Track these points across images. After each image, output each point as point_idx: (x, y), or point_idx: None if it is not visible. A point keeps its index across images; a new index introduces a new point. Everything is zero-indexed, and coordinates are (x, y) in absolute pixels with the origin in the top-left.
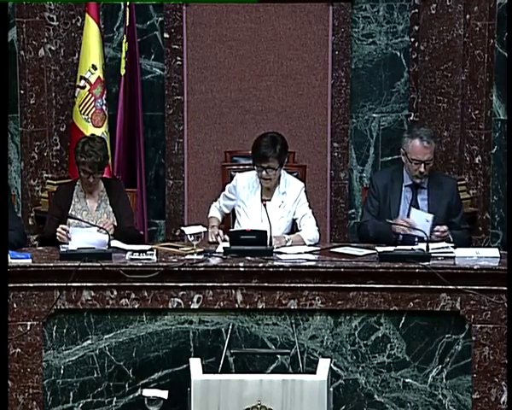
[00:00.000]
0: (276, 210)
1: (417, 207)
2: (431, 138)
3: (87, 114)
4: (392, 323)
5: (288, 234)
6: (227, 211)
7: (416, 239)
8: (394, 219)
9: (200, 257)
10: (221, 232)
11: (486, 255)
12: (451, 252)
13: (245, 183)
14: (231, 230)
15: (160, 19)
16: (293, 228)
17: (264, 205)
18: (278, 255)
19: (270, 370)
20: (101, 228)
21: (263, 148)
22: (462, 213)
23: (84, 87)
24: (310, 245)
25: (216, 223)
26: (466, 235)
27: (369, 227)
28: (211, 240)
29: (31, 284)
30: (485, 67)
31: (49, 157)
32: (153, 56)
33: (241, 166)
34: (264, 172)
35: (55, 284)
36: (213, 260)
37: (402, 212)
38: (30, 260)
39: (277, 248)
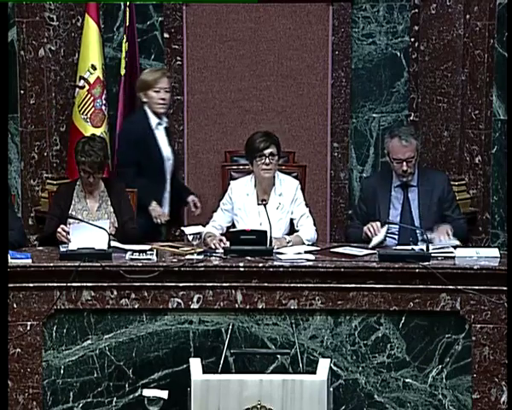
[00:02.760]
0: (273, 212)
1: (409, 206)
2: (410, 136)
3: (86, 114)
4: (392, 323)
5: (287, 234)
6: (227, 224)
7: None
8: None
9: (200, 257)
10: (223, 238)
11: (486, 255)
12: (451, 252)
13: (241, 190)
14: (231, 230)
15: (160, 19)
16: (291, 228)
17: (264, 205)
18: (278, 255)
19: (270, 370)
20: (101, 228)
21: (259, 139)
22: (455, 204)
23: (83, 87)
24: (308, 245)
25: (213, 235)
26: (464, 224)
27: (349, 231)
28: (213, 247)
29: (31, 284)
30: (485, 67)
31: (49, 157)
32: (153, 56)
33: (241, 167)
34: (266, 160)
35: (55, 284)
36: (213, 260)
37: (392, 214)
38: (30, 260)
39: (277, 247)
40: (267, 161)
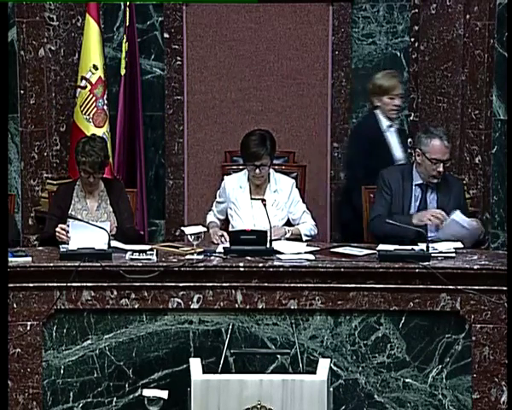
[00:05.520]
0: (269, 209)
1: (426, 207)
2: (448, 138)
3: (88, 114)
4: (392, 323)
5: None
6: (222, 217)
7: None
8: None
9: (200, 257)
10: (225, 233)
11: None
12: (452, 252)
13: (234, 184)
14: (231, 230)
15: (160, 19)
16: (289, 226)
17: (264, 205)
18: (278, 255)
19: (270, 370)
20: (101, 228)
21: (253, 146)
22: (467, 213)
23: (85, 87)
24: (308, 240)
25: (216, 226)
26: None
27: (383, 221)
28: (215, 241)
29: (31, 284)
30: (485, 67)
31: (49, 157)
32: (153, 56)
33: (241, 167)
34: (257, 171)
35: (55, 284)
36: (213, 260)
37: (412, 211)
38: (30, 260)
39: (275, 236)
40: (257, 171)
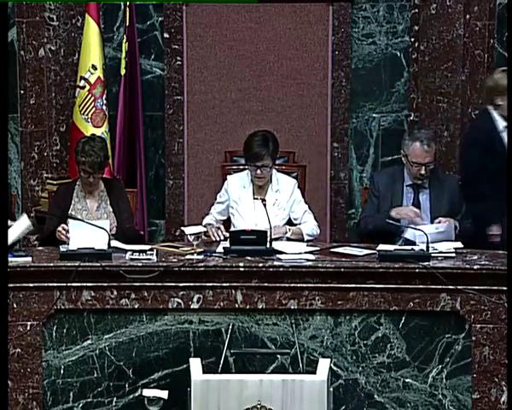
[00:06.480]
0: (270, 208)
1: (419, 207)
2: (431, 141)
3: (87, 114)
4: (392, 323)
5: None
6: (222, 217)
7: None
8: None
9: (200, 257)
10: (222, 226)
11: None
12: (452, 252)
13: (236, 184)
14: (231, 230)
15: (159, 19)
16: (290, 225)
17: (264, 205)
18: (278, 255)
19: (270, 370)
20: (101, 228)
21: (256, 147)
22: (463, 209)
23: (83, 87)
24: (309, 240)
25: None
26: (471, 228)
27: (368, 220)
28: (213, 238)
29: (31, 284)
30: (485, 67)
31: (49, 157)
32: (153, 56)
33: (241, 167)
34: (258, 171)
35: (55, 284)
36: (213, 260)
37: None
38: (30, 260)
39: (276, 235)
40: (259, 172)
